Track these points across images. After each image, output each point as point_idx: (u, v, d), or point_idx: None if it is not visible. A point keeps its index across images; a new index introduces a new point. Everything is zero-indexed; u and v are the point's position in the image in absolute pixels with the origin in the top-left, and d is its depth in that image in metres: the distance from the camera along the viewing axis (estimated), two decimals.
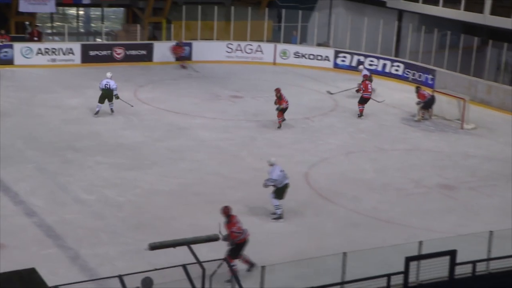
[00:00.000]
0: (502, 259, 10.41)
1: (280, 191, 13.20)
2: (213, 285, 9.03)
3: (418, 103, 20.73)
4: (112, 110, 19.29)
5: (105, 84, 18.96)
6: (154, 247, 8.97)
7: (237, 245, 10.81)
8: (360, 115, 20.65)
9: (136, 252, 11.11)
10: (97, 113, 19.08)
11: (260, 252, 11.70)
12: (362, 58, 26.70)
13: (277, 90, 19.08)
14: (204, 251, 9.40)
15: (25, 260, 10.24)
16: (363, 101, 20.78)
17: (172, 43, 26.04)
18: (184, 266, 8.81)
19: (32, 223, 12.41)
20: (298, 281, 10.00)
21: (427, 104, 20.67)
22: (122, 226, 12.53)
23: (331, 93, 23.06)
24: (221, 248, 10.49)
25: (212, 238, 9.24)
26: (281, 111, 19.02)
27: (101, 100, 19.00)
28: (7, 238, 11.67)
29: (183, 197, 14.06)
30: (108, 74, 19.27)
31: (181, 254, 9.15)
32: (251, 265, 10.95)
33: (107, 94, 18.98)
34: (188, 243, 8.93)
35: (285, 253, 11.61)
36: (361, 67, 24.07)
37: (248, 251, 11.64)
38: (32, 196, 13.55)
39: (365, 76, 22.17)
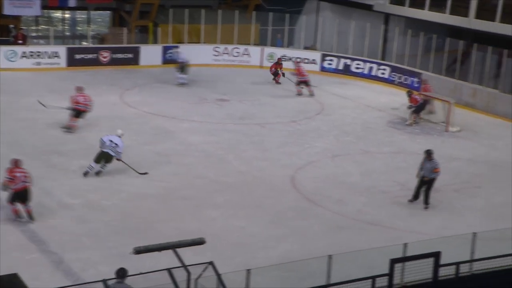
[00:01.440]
0: (485, 260, 10.49)
1: (99, 154, 14.88)
2: None
3: (409, 107, 20.77)
4: None
5: None
6: (139, 251, 8.92)
7: (14, 192, 12.40)
8: (299, 94, 23.28)
9: (121, 256, 11.02)
10: None
11: (245, 255, 11.72)
12: (348, 61, 26.80)
13: (77, 89, 18.04)
14: (189, 255, 9.37)
15: (8, 265, 10.17)
16: (301, 83, 23.37)
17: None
18: (169, 270, 8.80)
19: (16, 228, 12.31)
20: (283, 284, 10.00)
21: (418, 108, 20.73)
22: (107, 230, 12.47)
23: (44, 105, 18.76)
24: (206, 252, 10.46)
25: (197, 242, 9.22)
26: (75, 115, 17.75)
27: None
28: None
29: (169, 201, 14.03)
30: None
31: (166, 258, 9.12)
32: (18, 216, 12.48)
33: None
34: (173, 246, 8.90)
35: (270, 256, 11.61)
36: (178, 52, 24.26)
37: (234, 254, 11.67)
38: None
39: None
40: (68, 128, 17.84)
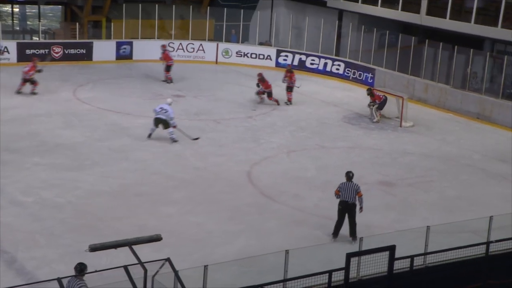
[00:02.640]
0: (438, 253, 10.72)
1: (154, 120, 17.35)
2: (155, 285, 8.95)
3: (373, 105, 20.86)
4: None
5: None
6: (94, 248, 8.82)
7: None
8: (170, 82, 23.77)
9: (76, 254, 10.85)
10: None
11: (202, 251, 11.69)
12: (303, 57, 26.96)
13: None
14: (146, 252, 9.32)
15: None
16: (168, 68, 23.84)
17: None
18: (125, 267, 8.72)
19: None
20: (241, 279, 10.02)
21: (381, 104, 20.92)
22: (62, 228, 12.27)
23: None
24: (163, 249, 10.41)
25: (154, 239, 9.16)
26: None
27: None
28: None
29: (125, 198, 13.88)
30: None
31: (123, 255, 9.04)
32: None
33: None
34: (129, 243, 8.82)
35: (228, 252, 11.60)
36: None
37: (192, 250, 11.63)
38: None
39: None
40: None
